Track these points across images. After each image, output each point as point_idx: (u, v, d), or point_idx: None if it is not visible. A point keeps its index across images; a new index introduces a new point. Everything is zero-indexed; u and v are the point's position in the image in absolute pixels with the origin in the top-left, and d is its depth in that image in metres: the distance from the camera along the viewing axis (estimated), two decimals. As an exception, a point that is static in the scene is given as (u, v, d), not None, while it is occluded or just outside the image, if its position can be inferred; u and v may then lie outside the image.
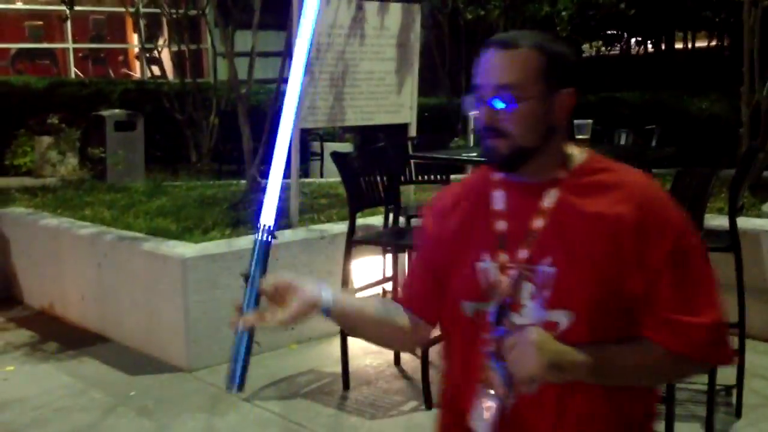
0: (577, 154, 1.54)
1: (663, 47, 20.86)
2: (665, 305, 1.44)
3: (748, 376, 3.75)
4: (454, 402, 1.59)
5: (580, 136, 4.18)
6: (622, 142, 4.97)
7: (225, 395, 4.05)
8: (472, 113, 1.50)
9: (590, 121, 4.27)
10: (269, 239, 1.44)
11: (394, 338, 1.71)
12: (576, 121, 4.32)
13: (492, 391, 1.45)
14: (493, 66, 1.46)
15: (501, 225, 1.52)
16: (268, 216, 1.45)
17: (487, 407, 1.47)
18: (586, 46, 9.18)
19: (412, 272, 1.73)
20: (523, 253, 1.47)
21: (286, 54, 6.15)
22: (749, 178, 5.36)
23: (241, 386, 1.41)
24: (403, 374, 4.33)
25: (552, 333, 1.41)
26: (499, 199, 1.54)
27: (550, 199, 1.49)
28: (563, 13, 8.41)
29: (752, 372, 3.89)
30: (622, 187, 1.47)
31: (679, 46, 21.83)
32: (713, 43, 21.33)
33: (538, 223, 1.48)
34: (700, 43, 22.25)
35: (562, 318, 1.44)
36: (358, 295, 4.70)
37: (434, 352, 4.24)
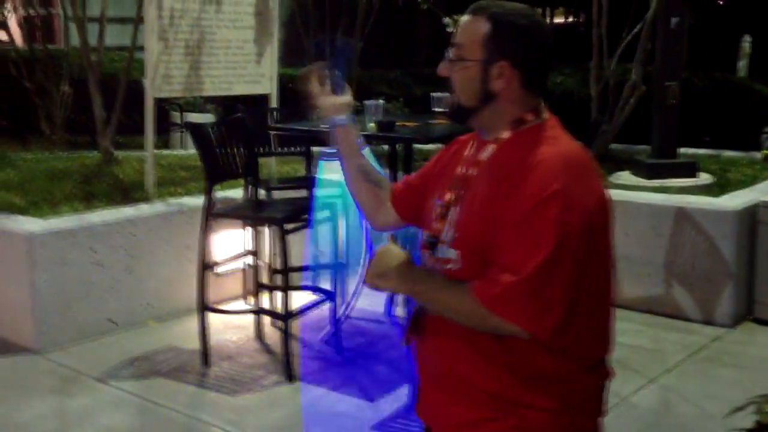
0: (532, 119, 1.65)
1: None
2: (497, 259, 1.53)
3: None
4: None
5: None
6: None
7: (77, 376, 3.90)
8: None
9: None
10: None
11: (368, 199, 1.95)
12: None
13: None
14: (459, 26, 1.66)
15: (460, 170, 1.71)
16: None
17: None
18: (449, 21, 9.26)
19: (409, 176, 1.97)
20: (458, 196, 1.67)
21: (138, 20, 5.91)
22: (596, 150, 5.64)
23: None
24: (265, 348, 4.30)
25: (445, 267, 1.64)
26: (468, 149, 1.75)
27: (486, 154, 1.66)
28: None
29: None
30: (533, 150, 1.58)
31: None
32: (570, 19, 22.14)
33: (473, 172, 1.67)
34: (558, 19, 23.06)
35: (453, 255, 1.64)
36: (221, 269, 4.63)
37: (295, 326, 4.24)
